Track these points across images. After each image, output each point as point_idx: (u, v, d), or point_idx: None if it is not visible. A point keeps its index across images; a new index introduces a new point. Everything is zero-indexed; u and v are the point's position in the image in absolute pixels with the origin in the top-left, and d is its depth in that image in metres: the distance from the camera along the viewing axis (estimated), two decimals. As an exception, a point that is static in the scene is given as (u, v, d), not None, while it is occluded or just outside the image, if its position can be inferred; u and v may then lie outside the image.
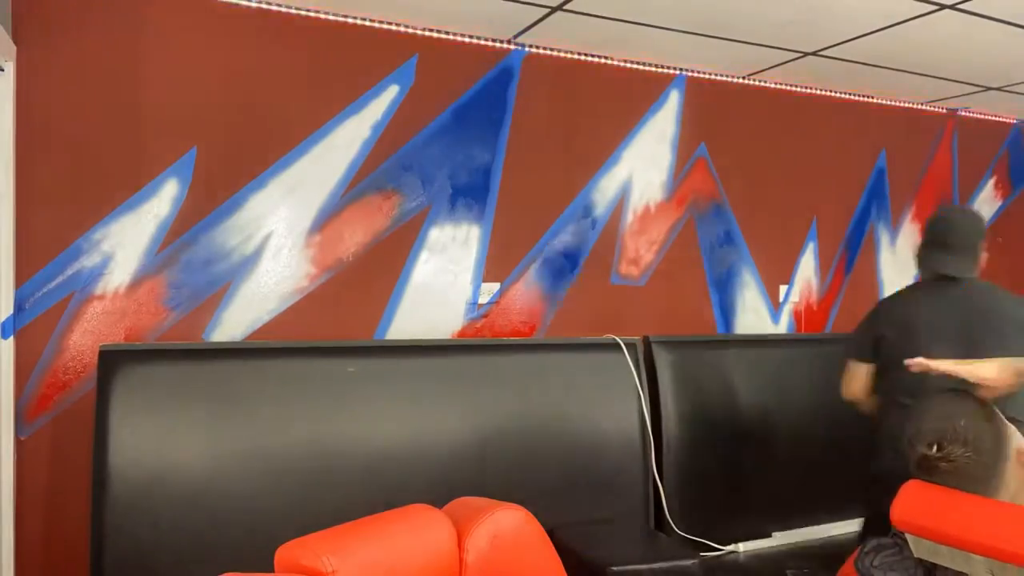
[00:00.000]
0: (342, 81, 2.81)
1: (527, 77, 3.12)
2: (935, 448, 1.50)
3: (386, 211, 2.89)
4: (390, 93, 2.89)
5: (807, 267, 3.76)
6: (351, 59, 2.82)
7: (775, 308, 3.68)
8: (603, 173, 3.27)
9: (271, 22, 2.70)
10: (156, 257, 2.57)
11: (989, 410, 1.59)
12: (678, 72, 3.44)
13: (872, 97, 3.91)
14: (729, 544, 2.99)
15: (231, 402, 2.40)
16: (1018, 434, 1.56)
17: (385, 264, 2.89)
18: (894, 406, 2.28)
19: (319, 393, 2.51)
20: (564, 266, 3.20)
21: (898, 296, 2.60)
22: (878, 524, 1.77)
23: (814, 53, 3.20)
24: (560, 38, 3.04)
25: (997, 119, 4.30)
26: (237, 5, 2.66)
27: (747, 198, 3.58)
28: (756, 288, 3.63)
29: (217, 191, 2.64)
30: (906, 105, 4.01)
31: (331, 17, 2.79)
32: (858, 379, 2.48)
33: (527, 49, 3.12)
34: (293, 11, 2.73)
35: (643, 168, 3.36)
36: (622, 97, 3.31)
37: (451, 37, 2.98)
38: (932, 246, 2.43)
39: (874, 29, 2.89)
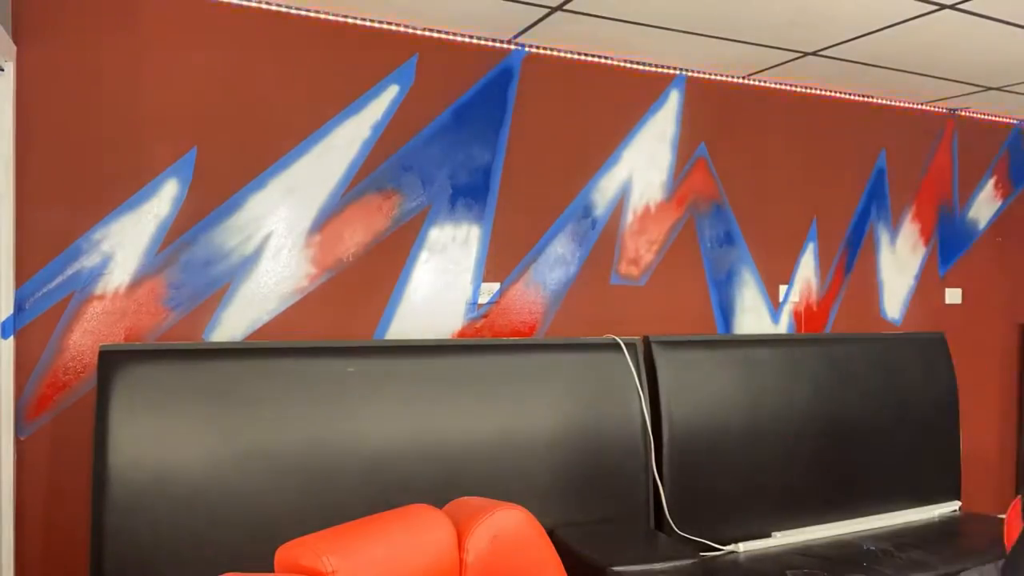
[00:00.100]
0: (342, 81, 2.81)
1: (527, 77, 3.13)
2: None
3: (386, 211, 2.90)
4: (390, 93, 2.89)
5: (807, 267, 3.76)
6: (351, 59, 2.82)
7: (775, 308, 3.68)
8: (603, 173, 3.27)
9: (271, 22, 2.70)
10: (156, 257, 2.57)
11: None
12: (678, 72, 3.44)
13: (872, 97, 3.91)
14: (729, 544, 2.99)
15: (231, 402, 2.40)
16: None
17: (385, 264, 2.90)
18: None
19: (319, 393, 2.51)
20: (564, 266, 3.20)
21: None
22: None
23: (814, 53, 3.20)
24: (560, 38, 3.04)
25: (997, 119, 4.30)
26: (237, 5, 2.66)
27: (747, 198, 3.58)
28: (756, 288, 3.63)
29: (217, 191, 2.64)
30: (906, 105, 4.02)
31: (331, 17, 2.79)
32: None
33: (527, 49, 3.13)
34: (293, 11, 2.73)
35: (643, 168, 3.36)
36: (622, 97, 3.31)
37: (451, 37, 2.98)
38: None
39: (874, 29, 2.89)
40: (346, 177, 2.82)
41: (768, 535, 3.11)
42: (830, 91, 3.78)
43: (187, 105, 2.60)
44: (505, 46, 3.09)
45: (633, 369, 2.96)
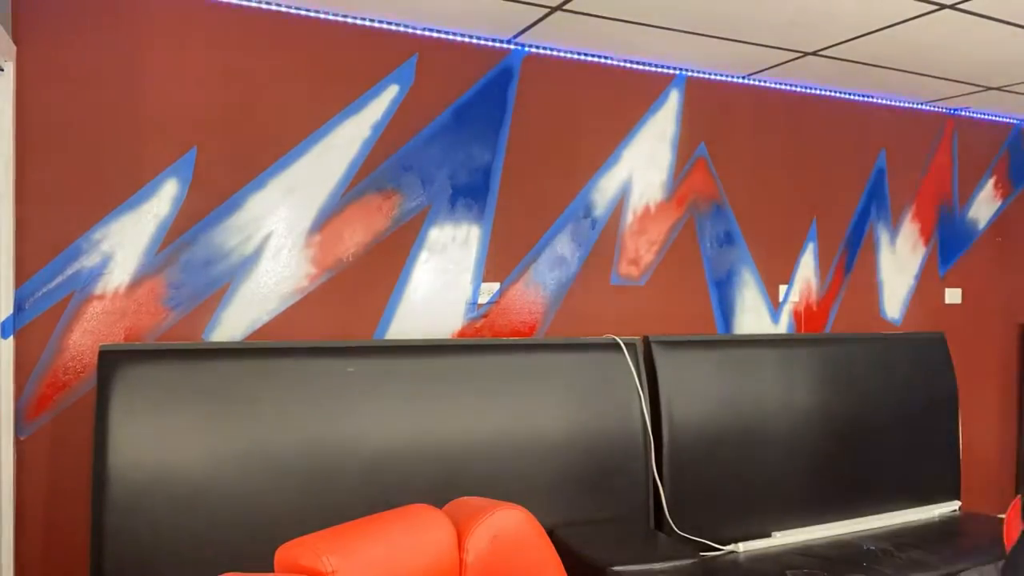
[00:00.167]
0: (342, 81, 2.81)
1: (527, 77, 3.13)
2: None
3: (386, 211, 2.90)
4: (390, 93, 2.89)
5: (807, 267, 3.76)
6: (351, 59, 2.82)
7: (775, 308, 3.68)
8: (603, 173, 3.27)
9: (271, 22, 2.70)
10: (156, 257, 2.57)
11: None
12: (678, 72, 3.44)
13: (872, 97, 3.91)
14: (729, 544, 2.99)
15: (231, 402, 2.40)
16: None
17: (385, 264, 2.89)
18: None
19: (319, 393, 2.51)
20: (564, 266, 3.20)
21: None
22: None
23: (814, 53, 3.20)
24: (560, 38, 3.04)
25: (997, 119, 4.30)
26: (237, 5, 2.66)
27: (747, 198, 3.58)
28: (756, 288, 3.63)
29: (217, 191, 2.64)
30: (906, 105, 4.02)
31: (331, 17, 2.79)
32: None
33: (527, 49, 3.13)
34: (293, 11, 2.73)
35: (643, 168, 3.36)
36: (622, 97, 3.31)
37: (451, 37, 2.98)
38: None
39: (874, 29, 2.89)
40: (346, 177, 2.82)
41: (768, 535, 3.11)
42: (830, 91, 3.79)
43: (187, 105, 2.60)
44: (505, 46, 3.09)
45: (633, 369, 2.96)
